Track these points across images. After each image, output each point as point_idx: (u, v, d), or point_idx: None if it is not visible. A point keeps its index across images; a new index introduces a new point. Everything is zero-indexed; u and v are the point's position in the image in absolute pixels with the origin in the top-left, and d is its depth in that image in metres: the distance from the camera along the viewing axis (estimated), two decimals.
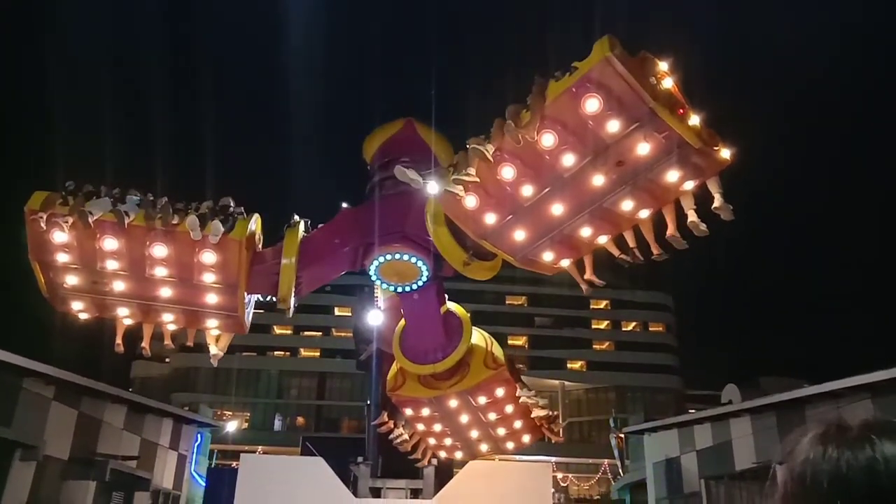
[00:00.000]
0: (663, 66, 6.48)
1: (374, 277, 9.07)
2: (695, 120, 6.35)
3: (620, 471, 23.01)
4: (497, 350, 9.93)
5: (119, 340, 8.94)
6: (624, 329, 54.71)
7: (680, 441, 21.29)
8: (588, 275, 7.73)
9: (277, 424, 37.34)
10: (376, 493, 14.41)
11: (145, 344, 9.04)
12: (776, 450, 0.91)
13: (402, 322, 9.98)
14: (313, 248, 8.79)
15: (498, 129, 6.59)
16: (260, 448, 24.44)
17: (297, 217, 9.12)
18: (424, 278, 8.97)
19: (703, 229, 6.87)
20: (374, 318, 14.22)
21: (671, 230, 6.88)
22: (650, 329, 54.24)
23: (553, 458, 22.19)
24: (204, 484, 21.16)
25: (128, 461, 19.67)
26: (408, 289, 9.18)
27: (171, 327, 8.91)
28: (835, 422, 0.84)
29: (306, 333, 52.10)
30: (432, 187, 7.15)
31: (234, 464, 16.02)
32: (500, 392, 9.92)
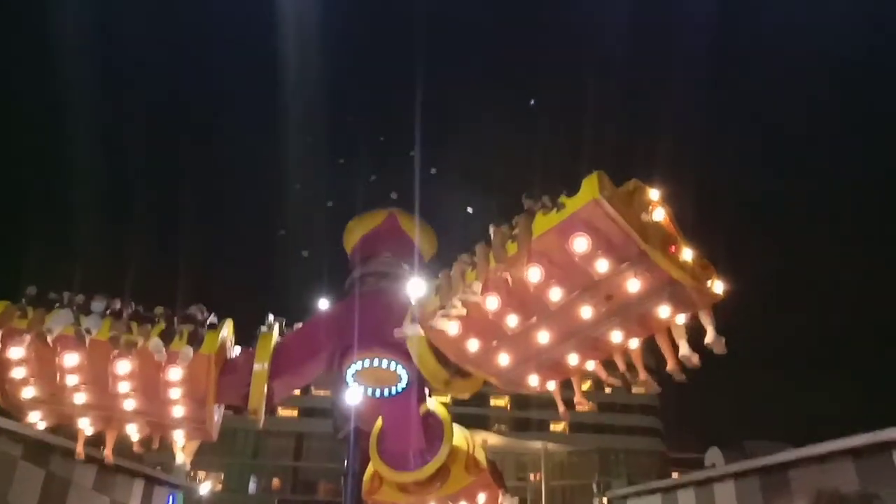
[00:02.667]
0: (654, 195, 6.25)
1: (350, 382, 8.70)
2: (687, 255, 6.12)
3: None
4: (479, 454, 9.54)
5: (79, 449, 8.48)
6: (607, 391, 54.06)
7: None
8: (577, 398, 7.43)
9: (252, 486, 36.06)
10: None
11: (108, 452, 8.60)
12: None
13: (380, 422, 9.58)
14: (287, 355, 8.42)
15: (483, 258, 6.32)
16: None
17: (271, 318, 8.77)
18: (404, 384, 8.62)
19: (695, 362, 6.59)
20: (352, 396, 13.79)
21: (671, 365, 6.57)
22: (633, 391, 53.70)
23: None
24: None
25: None
26: (386, 393, 8.82)
27: (136, 437, 8.47)
28: (831, 492, 0.53)
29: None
30: (412, 328, 6.83)
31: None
32: (481, 498, 9.51)
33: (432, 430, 9.28)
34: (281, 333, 8.66)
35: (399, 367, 8.34)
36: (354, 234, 9.39)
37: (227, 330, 8.24)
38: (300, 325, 9.07)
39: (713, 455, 21.32)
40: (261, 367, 8.18)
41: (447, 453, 9.12)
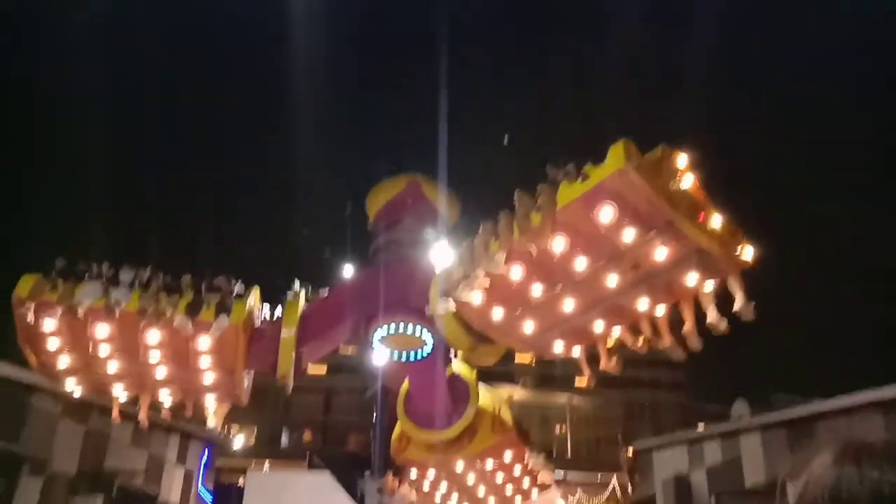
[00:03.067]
0: (682, 160, 6.10)
1: (376, 347, 8.78)
2: (717, 222, 5.99)
3: (629, 488, 22.88)
4: (505, 413, 9.66)
5: (115, 414, 8.72)
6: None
7: (689, 457, 21.04)
8: (603, 363, 7.41)
9: (284, 440, 37.23)
10: (384, 478, 14.24)
11: (143, 416, 8.82)
12: (786, 466, 0.86)
13: (407, 384, 9.70)
14: (314, 322, 8.49)
15: (506, 229, 6.24)
16: (267, 463, 24.38)
17: (297, 285, 8.83)
18: (429, 349, 8.67)
19: (723, 328, 6.53)
20: (379, 358, 13.96)
21: (688, 326, 6.52)
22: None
23: (561, 475, 22.09)
24: (211, 499, 21.03)
25: (135, 477, 19.59)
26: (412, 357, 8.89)
27: (168, 402, 8.67)
28: (858, 441, 0.80)
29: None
30: (442, 304, 6.81)
31: (241, 479, 15.95)
32: (507, 456, 9.68)
33: (458, 391, 9.39)
34: (307, 300, 8.72)
35: (424, 331, 8.38)
36: (377, 201, 9.33)
37: (253, 298, 8.31)
38: (326, 291, 9.12)
39: (739, 408, 21.29)
40: (288, 333, 8.27)
41: (473, 414, 9.24)
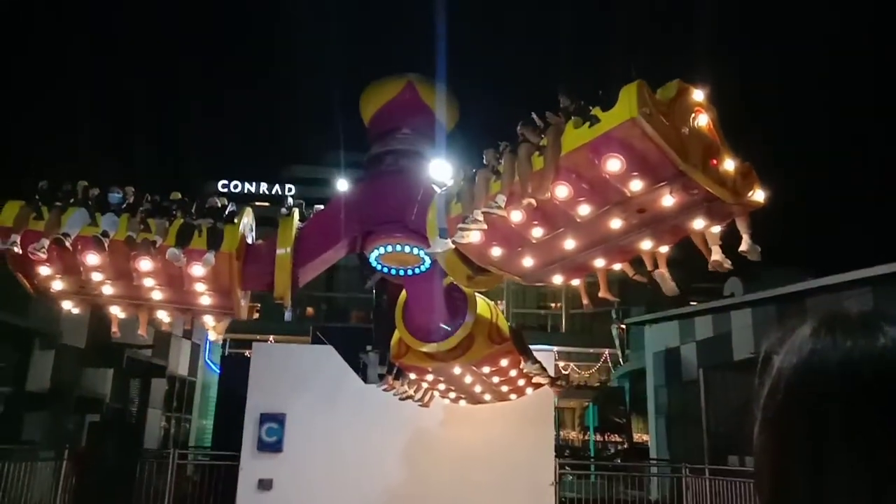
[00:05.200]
0: (698, 96, 5.68)
1: (373, 264, 8.68)
2: (729, 165, 5.67)
3: (621, 360, 23.78)
4: (502, 323, 9.73)
5: (115, 329, 8.77)
6: None
7: (680, 332, 21.73)
8: (602, 292, 7.35)
9: (287, 315, 38.23)
10: (385, 379, 14.87)
11: (142, 331, 8.89)
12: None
13: (405, 294, 9.69)
14: (309, 241, 8.31)
15: (508, 170, 5.92)
16: (272, 337, 25.11)
17: (290, 201, 8.58)
18: (426, 266, 8.57)
19: (727, 267, 6.41)
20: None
21: (716, 257, 6.36)
22: None
23: (555, 348, 22.87)
24: (218, 371, 21.93)
25: (143, 350, 20.24)
26: (409, 273, 8.82)
27: (167, 320, 8.69)
28: (836, 312, 0.82)
29: (317, 207, 51.44)
30: (441, 244, 6.58)
31: (246, 352, 16.51)
32: (504, 362, 9.86)
33: (456, 301, 9.39)
34: (301, 217, 8.51)
35: (422, 252, 8.24)
36: (370, 105, 8.80)
37: (247, 218, 8.10)
38: (320, 208, 8.88)
39: (732, 284, 21.62)
40: (284, 251, 8.12)
41: (471, 324, 9.31)
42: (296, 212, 8.40)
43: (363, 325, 23.15)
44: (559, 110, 5.94)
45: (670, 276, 6.68)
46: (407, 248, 8.27)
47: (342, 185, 9.13)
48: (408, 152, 8.57)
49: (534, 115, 6.13)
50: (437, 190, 7.83)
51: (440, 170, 8.63)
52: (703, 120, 5.60)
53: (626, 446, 24.94)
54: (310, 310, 40.68)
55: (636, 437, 26.16)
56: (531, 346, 10.56)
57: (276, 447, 13.25)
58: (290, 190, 45.79)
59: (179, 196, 8.07)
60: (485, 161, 6.52)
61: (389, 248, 8.29)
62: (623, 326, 23.30)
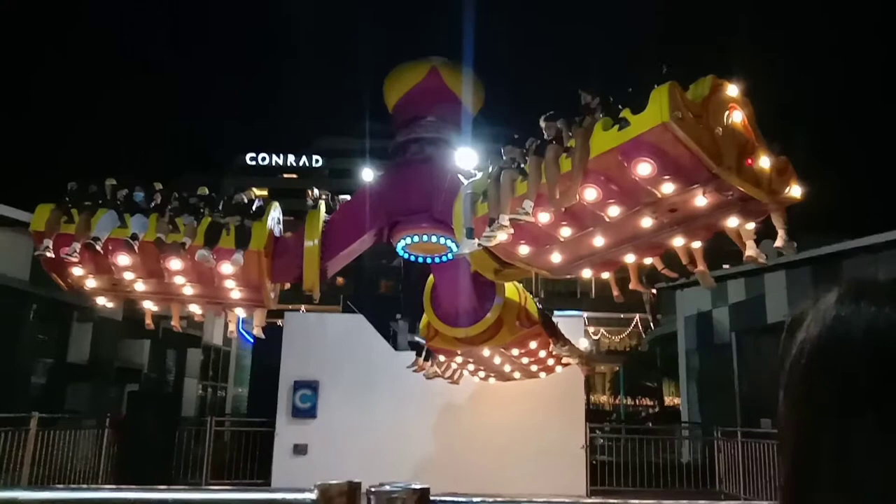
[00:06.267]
0: (732, 91, 5.47)
1: (400, 253, 8.66)
2: (765, 163, 5.48)
3: (652, 325, 23.62)
4: (531, 306, 9.68)
5: (148, 321, 8.90)
6: None
7: (712, 296, 21.39)
8: (633, 284, 7.24)
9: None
10: (415, 347, 15.03)
11: (175, 323, 9.01)
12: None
13: (432, 279, 9.68)
14: (336, 235, 8.29)
15: (535, 172, 5.78)
16: (303, 307, 25.39)
17: (316, 192, 8.54)
18: (452, 254, 8.52)
19: (762, 261, 6.28)
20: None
21: (750, 252, 6.25)
22: None
23: (585, 314, 22.78)
24: (251, 341, 22.27)
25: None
26: (437, 260, 8.78)
27: (199, 312, 8.80)
28: (863, 279, 0.81)
29: (342, 197, 51.31)
30: (468, 244, 6.49)
31: (279, 321, 16.78)
32: (533, 345, 9.86)
33: (484, 285, 9.35)
34: (328, 209, 8.48)
35: (449, 240, 8.18)
36: (394, 91, 8.66)
37: (275, 212, 8.10)
38: (347, 198, 8.83)
39: (766, 247, 21.08)
40: (312, 244, 8.13)
41: (499, 310, 9.27)
42: (322, 204, 8.37)
43: (392, 294, 23.33)
44: (585, 108, 5.77)
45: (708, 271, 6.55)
46: (434, 238, 8.22)
47: (368, 174, 9.04)
48: (433, 140, 8.45)
49: (559, 115, 5.97)
50: (463, 180, 7.72)
51: (466, 158, 8.50)
52: (737, 116, 5.39)
53: (657, 410, 24.97)
54: (339, 279, 41.13)
55: (667, 400, 26.17)
56: (561, 312, 10.52)
57: (310, 413, 13.55)
58: (317, 161, 45.77)
59: (206, 191, 8.09)
60: (507, 156, 6.38)
61: (416, 239, 8.25)
62: (654, 291, 23.05)
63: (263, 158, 50.80)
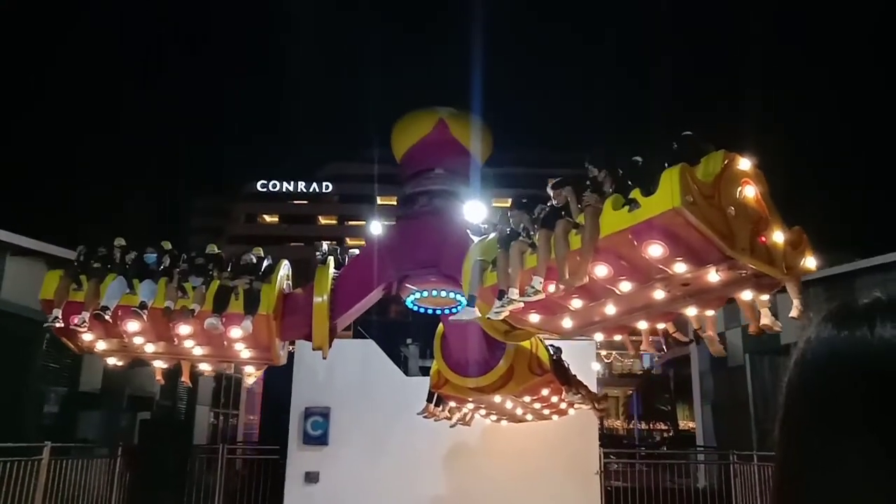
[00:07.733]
0: (745, 165, 5.39)
1: (409, 306, 8.62)
2: (779, 238, 5.40)
3: (664, 346, 23.43)
4: (542, 353, 9.59)
5: (159, 377, 8.90)
6: None
7: (725, 317, 21.16)
8: (644, 346, 7.17)
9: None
10: (426, 371, 14.94)
11: (185, 379, 9.01)
12: None
13: (443, 327, 9.62)
14: (345, 291, 8.27)
15: (544, 247, 5.72)
16: None
17: (325, 247, 8.52)
18: (463, 306, 8.46)
19: (777, 329, 6.20)
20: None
21: (765, 321, 6.18)
22: None
23: (597, 337, 22.61)
24: None
25: None
26: (447, 311, 8.74)
27: (208, 369, 8.79)
28: (847, 302, 0.81)
29: (351, 223, 52.08)
30: (470, 313, 6.44)
31: (291, 348, 16.63)
32: (545, 392, 9.78)
33: (495, 338, 9.29)
34: (337, 264, 8.45)
35: (458, 294, 8.13)
36: (402, 143, 8.63)
37: (283, 270, 8.07)
38: (356, 252, 8.81)
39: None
40: (321, 300, 8.09)
41: (511, 358, 9.19)
42: (331, 259, 8.34)
43: (402, 319, 23.30)
44: (593, 181, 5.71)
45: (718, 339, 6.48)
46: (443, 293, 8.18)
47: (375, 227, 9.00)
48: (441, 192, 8.42)
49: (566, 181, 5.92)
50: (472, 237, 7.67)
51: (475, 210, 8.46)
52: (750, 191, 5.31)
53: (671, 434, 24.74)
54: None
55: (682, 424, 25.95)
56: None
57: (321, 440, 13.38)
58: (327, 187, 45.86)
59: (215, 249, 8.08)
60: (514, 220, 6.33)
61: (425, 294, 8.21)
62: (665, 350, 22.93)
63: (274, 185, 51.22)
